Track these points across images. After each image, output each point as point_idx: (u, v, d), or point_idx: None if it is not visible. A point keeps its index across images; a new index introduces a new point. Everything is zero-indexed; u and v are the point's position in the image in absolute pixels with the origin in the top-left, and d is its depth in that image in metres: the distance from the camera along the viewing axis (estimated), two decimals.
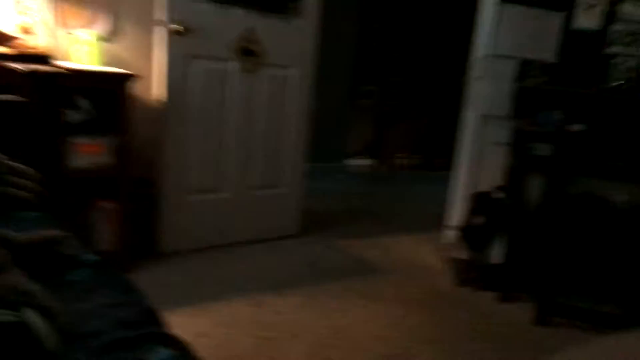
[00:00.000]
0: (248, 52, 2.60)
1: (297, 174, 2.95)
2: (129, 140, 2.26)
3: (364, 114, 5.78)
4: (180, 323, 1.69)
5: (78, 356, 0.73)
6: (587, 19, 2.77)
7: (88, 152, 2.19)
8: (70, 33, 2.39)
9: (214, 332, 1.91)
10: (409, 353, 1.92)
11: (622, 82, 2.71)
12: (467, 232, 2.62)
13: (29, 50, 2.26)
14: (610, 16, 2.75)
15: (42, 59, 2.19)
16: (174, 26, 2.33)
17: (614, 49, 2.76)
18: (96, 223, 2.28)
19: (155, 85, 2.44)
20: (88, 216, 2.32)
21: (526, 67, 2.77)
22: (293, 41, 2.75)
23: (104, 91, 2.29)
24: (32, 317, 0.71)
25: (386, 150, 5.35)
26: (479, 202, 2.61)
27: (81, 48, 2.33)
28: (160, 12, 2.36)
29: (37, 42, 2.31)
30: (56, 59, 2.28)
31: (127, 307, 0.89)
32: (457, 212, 2.93)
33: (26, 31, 2.31)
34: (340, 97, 4.72)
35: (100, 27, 2.47)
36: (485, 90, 2.81)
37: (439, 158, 5.42)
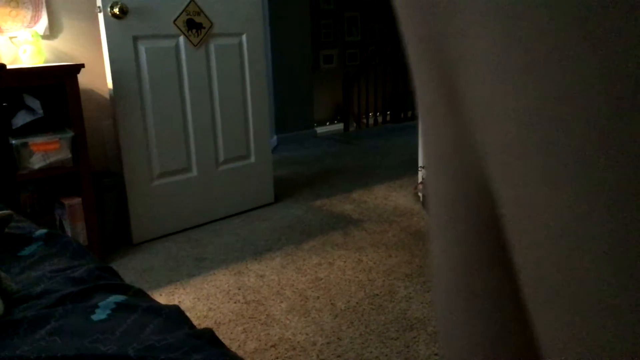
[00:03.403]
0: (195, 25, 2.57)
1: (264, 142, 2.95)
2: (84, 133, 2.24)
3: (328, 79, 5.77)
4: (162, 302, 1.70)
5: (26, 314, 0.74)
6: None
7: (44, 151, 2.17)
8: (9, 36, 2.34)
9: (197, 305, 1.93)
10: (388, 291, 1.96)
11: None
12: None
13: None
14: None
15: None
16: (110, 10, 2.29)
17: None
18: (63, 220, 2.27)
19: (107, 74, 2.41)
20: (54, 215, 2.31)
21: None
22: (240, 7, 2.72)
23: (53, 87, 2.27)
24: None
25: (354, 111, 5.36)
26: None
27: (24, 49, 2.29)
28: None
29: None
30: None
31: (79, 268, 0.90)
32: None
33: None
34: (302, 65, 4.71)
35: (39, 25, 2.42)
36: None
37: (406, 110, 5.44)
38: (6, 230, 1.06)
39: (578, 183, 0.24)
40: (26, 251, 0.98)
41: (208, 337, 0.70)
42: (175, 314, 0.76)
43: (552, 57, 0.24)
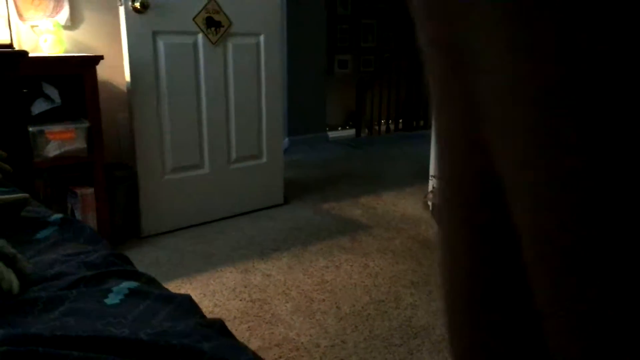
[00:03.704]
0: (214, 23, 2.59)
1: (277, 143, 2.96)
2: (100, 124, 2.26)
3: (342, 84, 5.78)
4: None
5: (41, 294, 0.75)
6: None
7: (59, 140, 2.19)
8: (31, 25, 2.37)
9: (203, 300, 1.94)
10: (394, 297, 1.95)
11: None
12: None
13: None
14: None
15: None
16: (131, 4, 2.31)
17: None
18: (75, 209, 2.28)
19: (126, 67, 2.43)
20: (66, 204, 2.33)
21: None
22: (259, 8, 2.73)
23: (72, 77, 2.29)
24: None
25: (367, 117, 5.36)
26: None
27: (45, 38, 2.31)
28: None
29: None
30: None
31: (93, 254, 0.90)
32: None
33: None
34: (317, 69, 4.72)
35: (60, 15, 2.45)
36: None
37: (419, 119, 5.44)
38: (22, 213, 1.07)
39: (591, 186, 0.24)
40: (41, 235, 0.99)
41: (218, 327, 0.70)
42: (187, 303, 0.76)
43: (560, 62, 0.24)
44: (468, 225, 0.41)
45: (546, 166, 0.26)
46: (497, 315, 0.41)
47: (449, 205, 0.43)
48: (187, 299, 0.77)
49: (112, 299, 0.73)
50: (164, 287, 0.83)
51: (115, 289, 0.75)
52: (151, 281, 0.83)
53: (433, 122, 0.45)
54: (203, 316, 0.74)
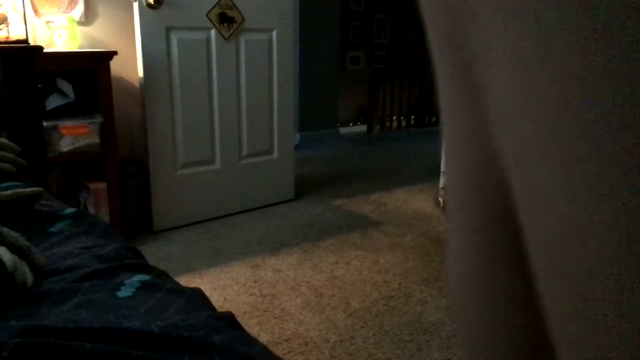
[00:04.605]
0: (227, 19, 2.60)
1: (287, 139, 2.97)
2: (113, 120, 2.28)
3: (354, 80, 5.78)
4: None
5: (54, 287, 0.76)
6: None
7: (73, 135, 2.21)
8: (46, 20, 2.40)
9: (213, 295, 1.95)
10: (404, 293, 1.95)
11: None
12: None
13: (5, 39, 2.28)
14: None
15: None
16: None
17: None
18: (87, 204, 2.31)
19: (139, 63, 2.45)
20: (78, 199, 2.35)
21: None
22: (272, 4, 2.74)
23: (86, 72, 2.31)
24: (3, 252, 0.74)
25: (379, 114, 5.35)
26: None
27: (60, 34, 2.34)
28: None
29: (12, 32, 2.32)
30: None
31: (106, 247, 0.92)
32: None
33: (0, 22, 2.31)
34: (329, 65, 4.72)
35: (75, 11, 2.47)
36: None
37: (431, 116, 5.42)
38: (36, 207, 1.09)
39: (595, 177, 0.24)
40: (55, 228, 1.01)
41: (228, 320, 0.71)
42: (198, 296, 0.77)
43: (570, 54, 0.24)
44: (471, 225, 0.42)
45: (559, 173, 0.26)
46: (503, 294, 0.42)
47: (456, 208, 0.44)
48: (198, 292, 0.78)
49: (124, 292, 0.74)
50: (175, 281, 0.84)
51: (127, 282, 0.76)
52: (162, 275, 0.84)
53: (441, 121, 0.45)
54: (213, 309, 0.75)
